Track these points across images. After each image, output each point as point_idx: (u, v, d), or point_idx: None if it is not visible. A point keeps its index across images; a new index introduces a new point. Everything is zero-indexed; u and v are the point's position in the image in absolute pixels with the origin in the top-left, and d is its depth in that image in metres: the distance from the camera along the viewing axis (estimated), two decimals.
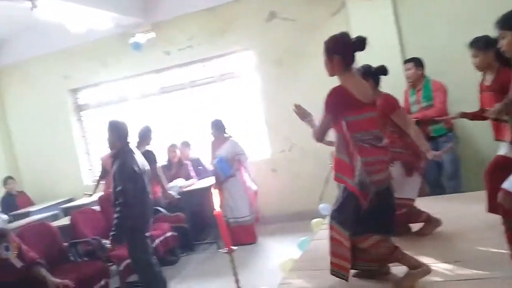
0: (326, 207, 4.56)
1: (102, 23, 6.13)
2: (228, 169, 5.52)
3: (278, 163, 6.34)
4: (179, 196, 5.59)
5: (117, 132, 3.86)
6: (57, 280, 3.47)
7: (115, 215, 3.74)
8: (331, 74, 2.60)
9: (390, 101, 3.21)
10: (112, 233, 3.76)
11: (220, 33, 6.41)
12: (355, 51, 2.53)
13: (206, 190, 5.50)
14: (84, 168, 7.62)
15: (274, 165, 6.37)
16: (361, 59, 2.88)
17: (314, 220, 4.30)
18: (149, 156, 4.99)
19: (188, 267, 5.24)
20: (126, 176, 3.73)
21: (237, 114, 6.71)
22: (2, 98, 7.88)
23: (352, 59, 2.55)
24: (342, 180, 2.53)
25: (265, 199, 6.08)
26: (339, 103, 2.47)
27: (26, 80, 7.65)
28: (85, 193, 6.58)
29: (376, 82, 3.27)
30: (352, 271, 2.69)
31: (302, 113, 2.90)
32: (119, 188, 3.72)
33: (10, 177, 7.20)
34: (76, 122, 7.65)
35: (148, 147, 5.45)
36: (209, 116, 6.17)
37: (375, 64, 3.30)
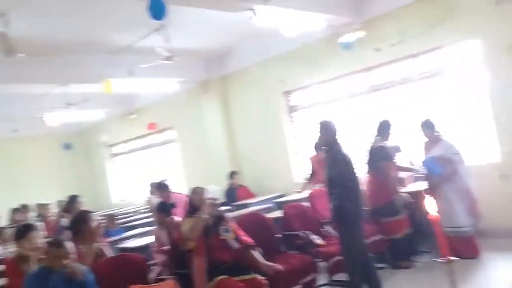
0: None
1: (314, 25, 6.32)
2: (437, 169, 4.95)
3: (510, 168, 5.40)
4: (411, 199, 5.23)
5: (328, 130, 4.14)
6: (268, 263, 3.68)
7: (331, 200, 4.00)
8: None
9: None
10: (331, 215, 4.06)
11: (438, 23, 5.83)
12: None
13: (418, 194, 5.08)
14: (294, 167, 8.03)
15: (505, 170, 5.44)
16: None
17: None
18: (379, 153, 4.97)
19: (399, 275, 4.90)
20: (337, 167, 3.97)
21: (455, 112, 6.01)
22: (229, 101, 8.94)
23: None
24: None
25: (490, 209, 5.24)
26: None
27: (247, 84, 8.51)
28: (296, 190, 6.94)
29: None
30: None
31: None
32: (331, 177, 3.98)
33: (235, 172, 8.14)
34: (288, 123, 8.12)
35: (385, 143, 5.28)
36: (423, 114, 5.68)
37: None
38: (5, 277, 3.74)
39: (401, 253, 5.12)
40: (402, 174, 5.78)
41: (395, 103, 6.69)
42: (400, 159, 5.86)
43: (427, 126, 5.26)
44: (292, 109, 8.13)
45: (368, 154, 5.18)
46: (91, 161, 13.39)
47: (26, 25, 5.40)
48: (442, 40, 5.90)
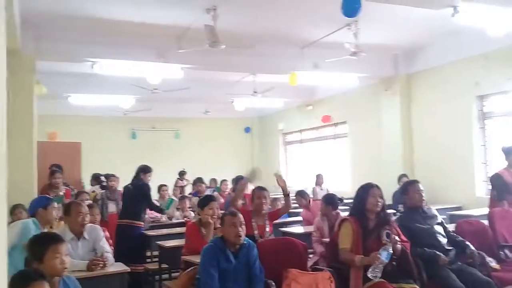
0: None
1: None
2: None
3: None
4: None
5: None
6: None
7: None
8: None
9: None
10: None
11: None
12: None
13: None
14: (478, 179, 7.21)
15: None
16: None
17: None
18: None
19: None
20: None
21: None
22: (411, 101, 8.45)
23: None
24: None
25: None
26: None
27: (435, 84, 7.90)
28: None
29: None
30: None
31: None
32: None
33: (405, 175, 7.65)
34: (478, 130, 7.31)
35: None
36: None
37: None
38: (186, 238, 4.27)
39: None
40: None
41: None
42: None
43: None
44: (485, 115, 7.29)
45: None
46: (266, 146, 14.30)
47: (229, 19, 5.97)
48: None
